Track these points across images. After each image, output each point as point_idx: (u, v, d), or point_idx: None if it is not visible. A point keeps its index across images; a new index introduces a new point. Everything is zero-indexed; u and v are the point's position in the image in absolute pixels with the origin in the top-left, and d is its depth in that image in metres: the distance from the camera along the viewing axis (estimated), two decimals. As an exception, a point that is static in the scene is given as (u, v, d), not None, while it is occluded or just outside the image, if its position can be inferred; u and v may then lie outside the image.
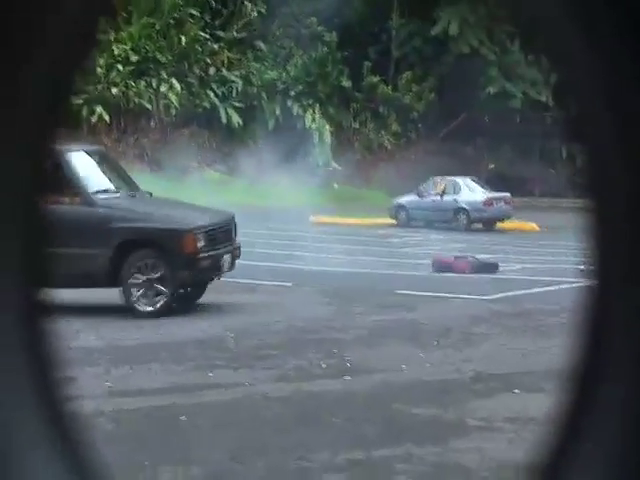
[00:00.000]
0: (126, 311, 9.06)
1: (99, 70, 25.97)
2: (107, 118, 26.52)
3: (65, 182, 9.42)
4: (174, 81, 28.41)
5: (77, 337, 7.43)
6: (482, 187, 25.52)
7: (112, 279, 9.28)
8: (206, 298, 10.09)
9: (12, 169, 1.05)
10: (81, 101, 24.73)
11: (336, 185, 30.17)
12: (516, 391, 6.12)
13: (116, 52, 27.24)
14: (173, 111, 28.28)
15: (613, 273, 1.04)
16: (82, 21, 1.05)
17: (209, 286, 10.14)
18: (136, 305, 9.27)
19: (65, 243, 8.62)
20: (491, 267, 13.60)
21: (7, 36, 0.99)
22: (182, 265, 9.33)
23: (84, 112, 25.24)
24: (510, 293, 11.24)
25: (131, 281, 9.30)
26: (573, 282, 12.29)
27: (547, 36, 1.04)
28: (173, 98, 28.09)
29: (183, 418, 5.34)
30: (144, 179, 21.45)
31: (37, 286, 1.14)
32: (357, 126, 34.38)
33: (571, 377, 1.08)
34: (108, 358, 6.98)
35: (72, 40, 1.05)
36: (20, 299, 1.10)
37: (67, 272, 8.79)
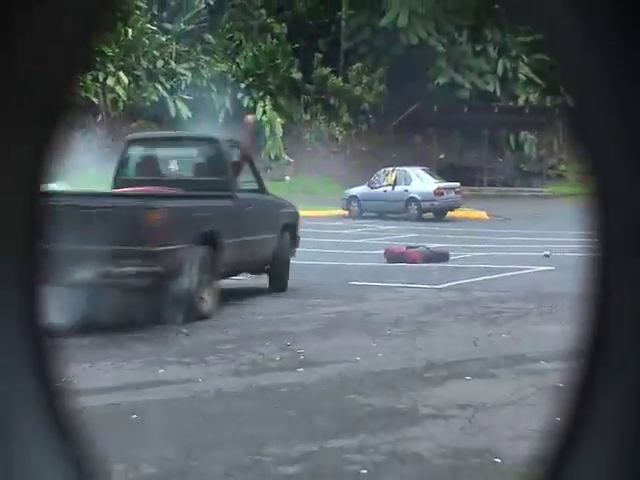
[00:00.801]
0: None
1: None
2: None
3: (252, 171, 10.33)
4: (121, 74, 28.07)
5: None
6: (432, 177, 25.73)
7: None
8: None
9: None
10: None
11: (288, 177, 30.14)
12: (468, 378, 6.18)
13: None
14: (121, 105, 27.95)
15: (615, 258, 1.02)
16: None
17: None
18: None
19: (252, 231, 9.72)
20: (442, 256, 13.73)
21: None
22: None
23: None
24: (460, 281, 11.36)
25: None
26: (522, 269, 12.46)
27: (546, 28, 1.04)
28: (121, 92, 27.76)
29: (134, 416, 5.28)
30: (91, 175, 21.21)
31: (36, 287, 1.13)
32: (308, 118, 34.39)
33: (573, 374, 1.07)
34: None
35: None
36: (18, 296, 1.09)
37: (251, 259, 9.84)
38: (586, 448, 1.03)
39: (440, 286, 10.89)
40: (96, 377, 6.29)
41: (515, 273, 12.24)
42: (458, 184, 25.24)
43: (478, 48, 35.98)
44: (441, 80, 34.90)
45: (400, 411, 5.36)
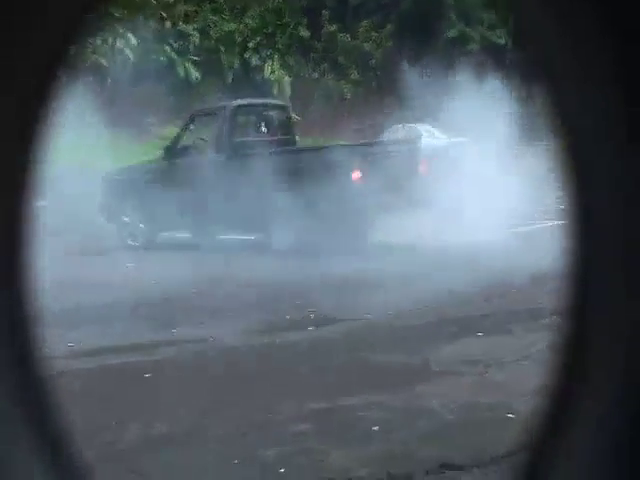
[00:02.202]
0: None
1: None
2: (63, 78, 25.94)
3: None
4: (130, 36, 27.78)
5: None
6: (441, 132, 25.52)
7: None
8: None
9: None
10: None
11: (297, 137, 29.93)
12: (479, 334, 6.15)
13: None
14: (129, 67, 27.73)
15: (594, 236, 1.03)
16: None
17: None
18: None
19: None
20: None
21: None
22: None
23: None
24: (473, 238, 11.25)
25: None
26: (534, 224, 12.36)
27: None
28: (129, 53, 27.51)
29: (147, 375, 5.29)
30: (103, 138, 21.03)
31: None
32: (316, 76, 34.02)
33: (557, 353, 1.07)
34: (68, 318, 6.90)
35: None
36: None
37: None
38: (568, 444, 1.03)
39: (453, 243, 10.78)
40: (109, 337, 6.31)
41: (528, 228, 12.14)
42: (466, 139, 25.02)
43: (488, 0, 35.44)
44: (451, 34, 34.43)
45: (411, 368, 5.34)
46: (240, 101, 14.91)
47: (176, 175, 11.23)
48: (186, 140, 11.95)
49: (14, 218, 1.09)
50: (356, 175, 10.26)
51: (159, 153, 12.15)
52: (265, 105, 12.86)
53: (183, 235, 12.03)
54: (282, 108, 12.71)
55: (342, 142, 12.13)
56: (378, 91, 34.62)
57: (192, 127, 12.60)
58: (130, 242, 11.62)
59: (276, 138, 11.85)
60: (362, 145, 11.09)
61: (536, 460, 1.06)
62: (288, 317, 6.86)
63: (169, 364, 5.63)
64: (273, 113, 12.26)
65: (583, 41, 0.94)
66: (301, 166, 10.65)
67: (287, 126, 12.31)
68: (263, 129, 11.90)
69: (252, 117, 11.99)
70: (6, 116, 1.03)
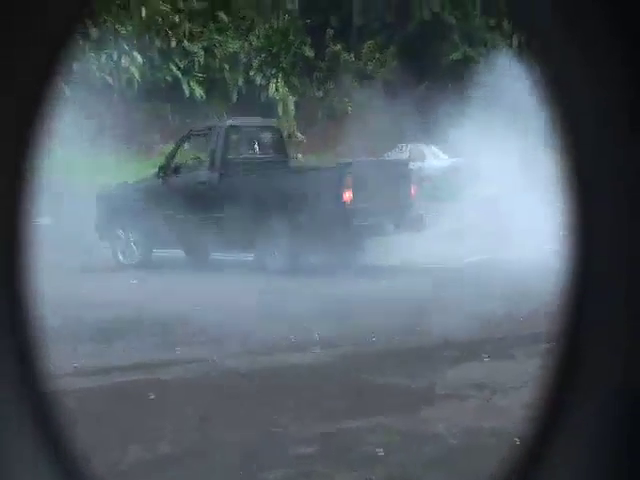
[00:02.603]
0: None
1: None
2: (67, 92, 26.03)
3: None
4: (136, 54, 27.93)
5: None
6: (446, 153, 25.56)
7: None
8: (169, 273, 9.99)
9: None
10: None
11: (300, 155, 30.02)
12: (485, 358, 6.12)
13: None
14: (135, 85, 27.85)
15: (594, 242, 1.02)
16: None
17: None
18: None
19: None
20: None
21: None
22: None
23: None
24: (478, 259, 11.25)
25: None
26: (539, 248, 12.33)
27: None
28: (135, 72, 27.64)
29: (151, 395, 5.27)
30: (107, 155, 21.06)
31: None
32: (321, 95, 34.15)
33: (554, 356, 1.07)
34: (71, 336, 6.88)
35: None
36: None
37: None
38: (561, 449, 1.03)
39: (458, 264, 10.77)
40: (112, 356, 6.28)
41: (533, 252, 12.10)
42: (469, 159, 25.04)
43: (492, 22, 35.59)
44: (455, 56, 34.56)
45: (416, 391, 5.31)
46: (233, 121, 15.23)
47: (169, 193, 11.30)
48: (180, 158, 12.02)
49: (12, 230, 1.08)
50: (347, 195, 10.34)
51: (153, 171, 12.19)
52: (258, 125, 13.05)
53: (176, 253, 12.06)
54: (274, 128, 13.05)
55: (340, 161, 12.18)
56: (382, 111, 34.73)
57: (186, 145, 12.76)
58: (123, 260, 11.62)
59: (269, 157, 12.05)
60: (354, 165, 11.13)
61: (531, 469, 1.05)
62: (292, 338, 6.82)
63: (172, 384, 5.60)
64: (266, 133, 12.49)
65: (592, 43, 0.94)
66: (293, 185, 10.71)
67: (280, 146, 12.53)
68: (256, 148, 12.05)
69: (245, 136, 12.12)
70: (4, 121, 1.03)
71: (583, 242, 1.02)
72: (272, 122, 13.47)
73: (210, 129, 12.00)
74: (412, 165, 20.34)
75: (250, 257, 11.07)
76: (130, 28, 28.36)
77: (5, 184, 1.05)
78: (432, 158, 24.68)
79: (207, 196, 11.02)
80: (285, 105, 30.91)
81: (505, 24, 35.69)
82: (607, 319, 0.99)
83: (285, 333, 6.99)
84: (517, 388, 5.34)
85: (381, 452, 4.25)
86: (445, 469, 4.12)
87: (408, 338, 6.80)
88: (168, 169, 11.59)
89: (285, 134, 30.54)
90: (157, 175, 11.68)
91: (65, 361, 6.00)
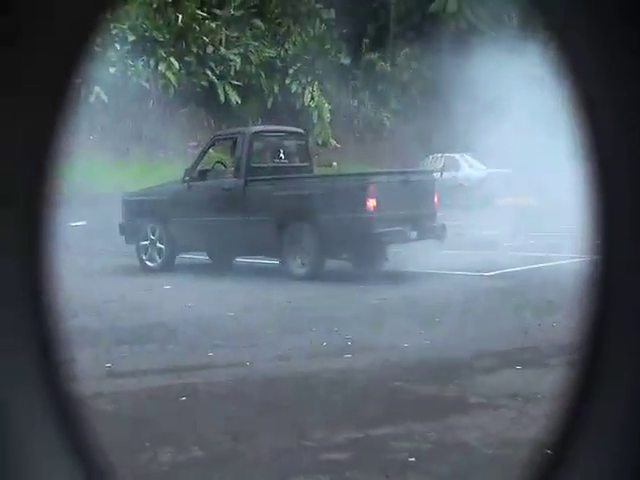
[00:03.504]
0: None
1: (96, 49, 25.70)
2: (105, 98, 26.33)
3: None
4: (172, 60, 28.18)
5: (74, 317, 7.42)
6: (481, 163, 25.42)
7: None
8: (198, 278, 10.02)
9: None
10: (79, 80, 24.47)
11: (335, 163, 30.05)
12: (518, 367, 6.07)
13: (113, 31, 26.98)
14: (171, 90, 28.08)
15: (617, 252, 1.03)
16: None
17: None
18: None
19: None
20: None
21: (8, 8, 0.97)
22: None
23: (82, 92, 25.03)
24: (510, 269, 11.17)
25: None
26: (573, 257, 12.23)
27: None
28: (171, 77, 27.88)
29: (183, 399, 5.29)
30: (141, 162, 21.20)
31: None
32: (356, 104, 34.16)
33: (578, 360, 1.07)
34: (105, 338, 6.93)
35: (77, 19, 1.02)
36: (23, 283, 1.07)
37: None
38: (585, 451, 1.04)
39: (489, 273, 10.73)
40: (145, 359, 6.32)
41: (566, 261, 12.01)
42: (509, 170, 24.88)
43: (528, 32, 35.40)
44: (489, 65, 34.41)
45: (448, 399, 5.28)
46: (258, 127, 15.13)
47: (195, 198, 11.41)
48: (206, 163, 12.11)
49: (39, 234, 1.09)
50: (370, 203, 10.39)
51: (179, 176, 12.28)
52: (283, 132, 13.08)
53: (200, 258, 12.14)
54: (300, 135, 12.97)
55: (372, 170, 12.34)
56: (417, 120, 34.65)
57: (212, 150, 12.85)
58: (148, 263, 11.71)
59: (293, 164, 12.12)
60: (379, 174, 11.24)
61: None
62: (324, 344, 6.82)
63: (205, 388, 5.62)
64: (291, 140, 12.52)
65: (607, 33, 0.93)
66: (317, 193, 10.78)
67: (305, 153, 12.58)
68: (281, 155, 12.09)
69: (270, 143, 12.15)
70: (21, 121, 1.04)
71: (607, 250, 1.02)
72: (298, 129, 13.40)
73: (236, 135, 12.11)
74: (444, 175, 20.33)
75: (274, 262, 11.11)
76: (167, 34, 28.63)
77: (36, 186, 1.06)
78: (467, 168, 24.56)
79: (232, 202, 11.13)
80: (320, 113, 30.99)
81: (539, 33, 35.48)
82: (632, 326, 0.98)
83: (317, 339, 7.00)
84: (550, 398, 5.29)
85: (412, 459, 4.24)
86: (476, 478, 4.09)
87: (440, 346, 6.76)
88: (194, 174, 11.67)
89: (320, 141, 30.68)
90: (183, 180, 11.76)
91: (98, 363, 6.04)
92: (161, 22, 28.67)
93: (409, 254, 11.60)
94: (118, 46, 27.07)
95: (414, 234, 10.85)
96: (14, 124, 1.02)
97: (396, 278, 10.43)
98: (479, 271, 10.89)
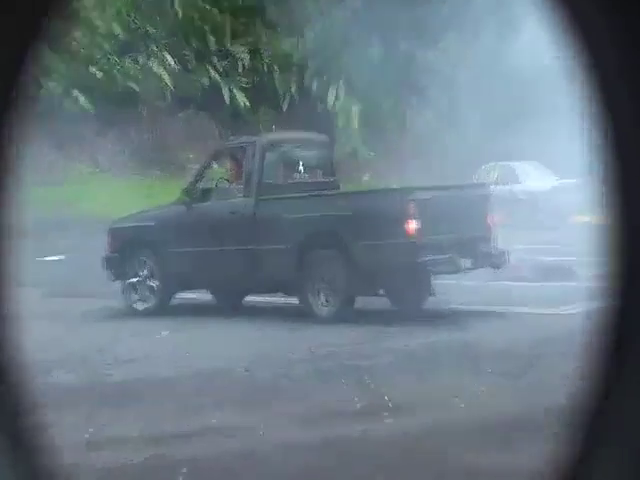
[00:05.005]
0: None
1: (74, 45, 25.96)
2: (88, 105, 26.52)
3: None
4: (167, 56, 28.38)
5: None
6: (548, 173, 25.23)
7: None
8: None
9: None
10: (55, 83, 24.72)
11: (366, 177, 30.05)
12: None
13: (97, 24, 27.27)
14: (167, 94, 28.24)
15: None
16: None
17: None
18: None
19: None
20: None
21: None
22: None
23: (59, 97, 25.28)
24: (589, 305, 10.99)
25: None
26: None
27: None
28: (165, 76, 28.06)
29: (184, 471, 5.21)
30: (129, 181, 21.29)
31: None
32: (390, 105, 34.15)
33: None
34: (85, 400, 6.90)
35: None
36: None
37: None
38: (607, 448, 1.27)
39: (561, 311, 10.57)
40: (134, 425, 6.25)
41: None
42: (578, 180, 24.74)
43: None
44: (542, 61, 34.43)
45: (515, 473, 5.13)
46: (272, 135, 14.91)
47: (195, 223, 11.30)
48: (208, 181, 12.02)
49: None
50: (411, 226, 10.22)
51: (176, 196, 12.18)
52: (302, 140, 12.77)
53: (201, 297, 12.10)
54: (323, 144, 12.73)
55: (413, 184, 12.15)
56: (467, 124, 34.60)
57: (216, 164, 12.76)
58: (138, 306, 11.55)
59: (315, 180, 11.95)
60: (421, 189, 11.01)
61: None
62: (358, 402, 6.72)
63: (207, 460, 5.53)
64: (312, 150, 12.29)
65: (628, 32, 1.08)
66: (345, 215, 10.67)
67: (329, 165, 12.42)
68: (299, 169, 11.94)
69: (286, 154, 11.91)
70: None
71: None
72: (320, 137, 13.05)
73: (244, 145, 11.94)
74: (499, 188, 20.24)
75: (292, 302, 11.03)
76: (160, 28, 28.87)
77: None
78: (528, 178, 24.44)
79: (240, 227, 11.05)
80: (347, 116, 31.04)
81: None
82: None
83: (347, 396, 6.91)
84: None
85: None
86: None
87: (502, 402, 6.64)
88: (193, 194, 11.57)
89: (347, 151, 30.75)
90: (180, 202, 11.65)
91: (76, 431, 5.97)
92: (154, 13, 28.94)
93: (461, 287, 11.48)
94: (103, 42, 27.31)
95: (467, 262, 10.71)
96: None
97: (444, 318, 10.36)
98: (551, 307, 10.74)
